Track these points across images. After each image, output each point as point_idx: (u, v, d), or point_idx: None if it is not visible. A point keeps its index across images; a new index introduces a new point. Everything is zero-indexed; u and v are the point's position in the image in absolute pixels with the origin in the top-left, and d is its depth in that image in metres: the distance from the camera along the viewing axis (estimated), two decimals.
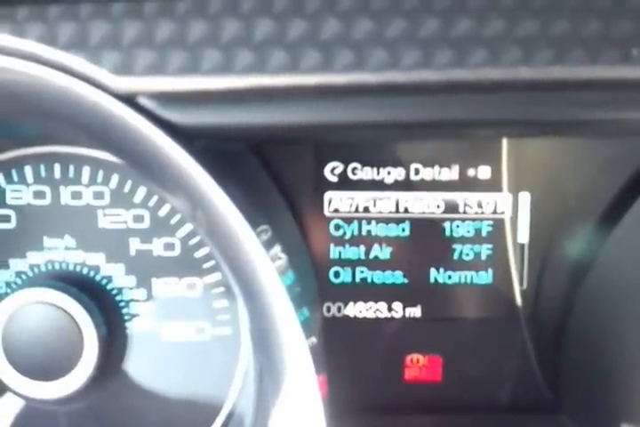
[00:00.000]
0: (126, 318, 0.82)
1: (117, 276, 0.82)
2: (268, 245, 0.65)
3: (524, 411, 0.87)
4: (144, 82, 0.60)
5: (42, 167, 0.81)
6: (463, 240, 0.86)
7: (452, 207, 0.85)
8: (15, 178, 0.82)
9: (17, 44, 0.60)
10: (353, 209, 0.86)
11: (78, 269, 0.82)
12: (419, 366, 0.87)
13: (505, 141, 0.83)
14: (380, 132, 0.69)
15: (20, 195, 0.82)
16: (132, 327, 0.82)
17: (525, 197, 0.85)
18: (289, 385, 0.62)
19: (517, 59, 0.59)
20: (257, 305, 0.64)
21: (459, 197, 0.85)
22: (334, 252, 0.87)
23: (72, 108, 0.61)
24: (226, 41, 0.60)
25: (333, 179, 0.85)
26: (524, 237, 0.86)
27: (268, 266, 0.62)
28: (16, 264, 0.82)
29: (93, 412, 0.83)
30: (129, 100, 0.61)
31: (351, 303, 0.87)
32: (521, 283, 0.86)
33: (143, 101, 0.61)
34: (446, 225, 0.86)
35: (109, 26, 0.60)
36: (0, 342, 0.77)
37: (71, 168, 0.81)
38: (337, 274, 0.87)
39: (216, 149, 0.67)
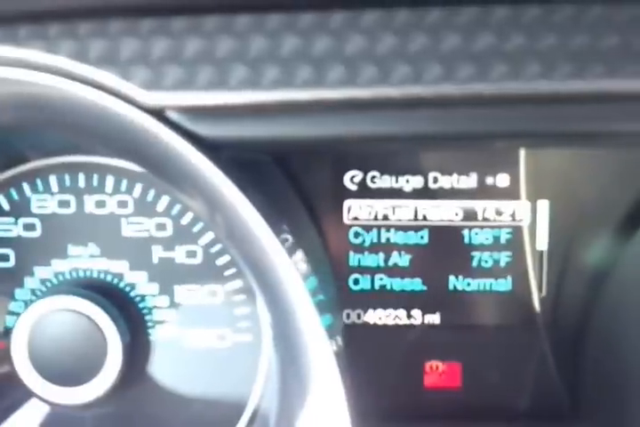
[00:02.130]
0: (149, 324, 0.84)
1: (140, 283, 0.83)
2: (290, 253, 0.66)
3: (543, 417, 0.87)
4: (173, 96, 0.62)
5: (66, 177, 0.83)
6: (482, 248, 0.86)
7: (470, 215, 0.86)
8: (40, 187, 0.83)
9: (49, 60, 0.62)
10: (372, 217, 0.86)
11: (102, 276, 0.83)
12: (438, 372, 0.87)
13: (523, 150, 0.84)
14: (403, 145, 0.70)
15: (45, 204, 0.83)
16: (155, 334, 0.84)
17: (544, 205, 0.85)
18: (314, 388, 0.63)
19: (537, 73, 0.60)
20: (280, 311, 0.65)
21: (477, 205, 0.85)
22: (354, 259, 0.87)
23: (103, 122, 0.62)
24: (252, 56, 0.61)
25: (353, 187, 0.85)
26: (542, 244, 0.85)
27: (292, 271, 0.63)
28: (41, 272, 0.84)
29: (117, 417, 0.84)
30: (158, 113, 0.62)
31: (371, 310, 0.87)
32: (540, 290, 0.86)
33: (172, 115, 0.62)
34: (465, 233, 0.86)
35: (139, 42, 0.62)
36: (25, 349, 0.78)
37: (95, 178, 0.82)
38: (356, 281, 0.87)
39: (239, 160, 0.68)
